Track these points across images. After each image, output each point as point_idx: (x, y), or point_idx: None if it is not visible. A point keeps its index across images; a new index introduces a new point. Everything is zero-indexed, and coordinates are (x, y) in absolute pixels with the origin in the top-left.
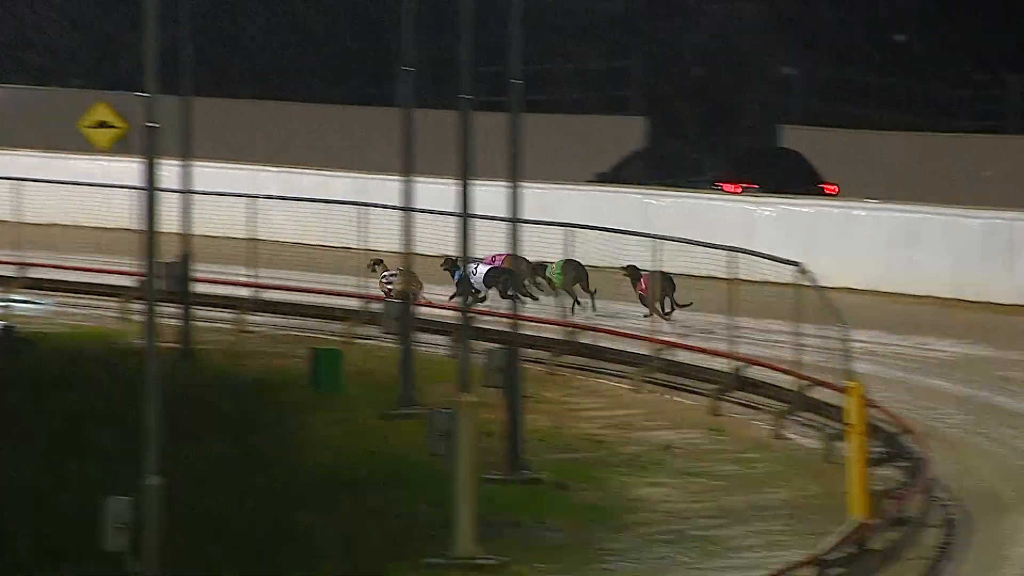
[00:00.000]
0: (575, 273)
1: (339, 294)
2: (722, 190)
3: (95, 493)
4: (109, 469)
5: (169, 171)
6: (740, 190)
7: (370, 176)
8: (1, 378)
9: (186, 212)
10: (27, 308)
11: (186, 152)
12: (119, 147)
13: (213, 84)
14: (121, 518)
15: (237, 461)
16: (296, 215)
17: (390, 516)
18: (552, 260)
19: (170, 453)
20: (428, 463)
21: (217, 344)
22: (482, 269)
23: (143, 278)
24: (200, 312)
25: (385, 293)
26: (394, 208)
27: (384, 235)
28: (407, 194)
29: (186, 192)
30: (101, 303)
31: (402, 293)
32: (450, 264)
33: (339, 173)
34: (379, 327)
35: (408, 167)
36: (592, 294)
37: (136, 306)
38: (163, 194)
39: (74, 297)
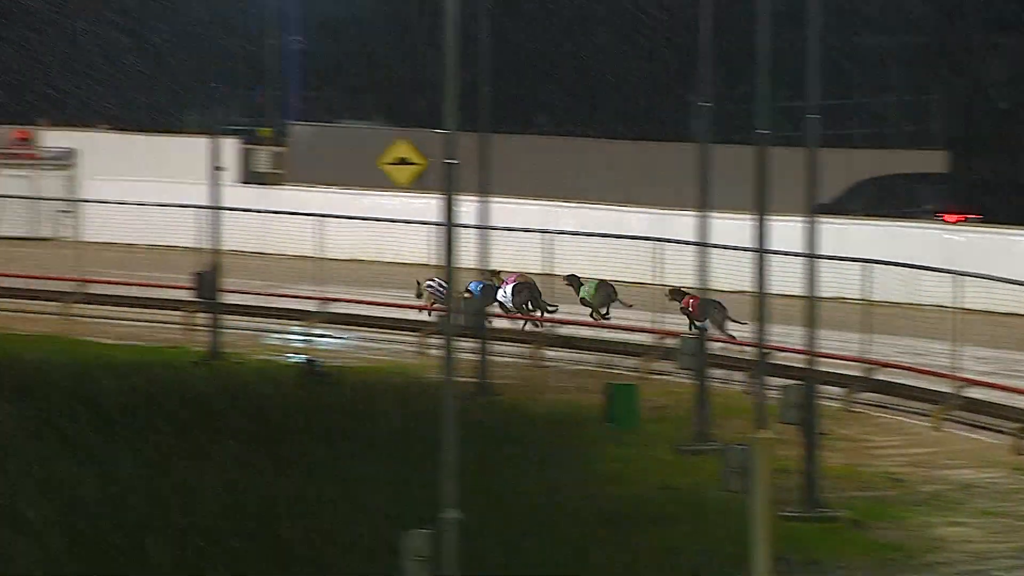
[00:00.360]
0: (606, 292)
1: (634, 329)
2: (943, 220)
3: (391, 525)
4: (405, 502)
5: (467, 207)
6: (963, 220)
7: (666, 211)
8: (303, 410)
9: (483, 247)
10: (329, 342)
11: (484, 188)
12: (418, 183)
13: (511, 120)
14: (419, 551)
15: (531, 495)
16: (591, 250)
17: (685, 551)
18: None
19: (466, 487)
20: (723, 499)
21: (513, 379)
22: (507, 287)
23: (442, 313)
24: (497, 347)
25: (432, 301)
26: (690, 243)
27: (679, 270)
28: (703, 229)
29: (483, 228)
30: (400, 338)
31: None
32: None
33: (634, 208)
34: (674, 363)
35: (704, 202)
36: (623, 306)
37: (434, 341)
38: (461, 229)
39: (374, 332)
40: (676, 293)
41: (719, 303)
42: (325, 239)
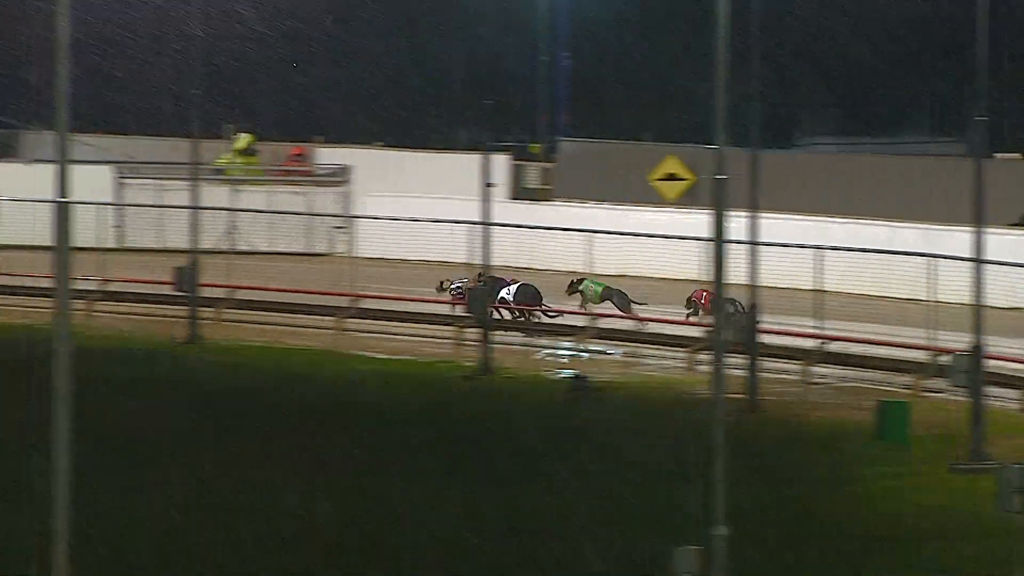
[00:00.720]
0: (614, 297)
1: (906, 346)
2: None
3: (662, 541)
4: (673, 518)
5: (736, 222)
6: None
7: (939, 227)
8: (571, 425)
9: (753, 263)
10: (599, 358)
11: (753, 203)
12: (686, 199)
13: (780, 135)
14: (690, 567)
15: (802, 512)
16: (862, 266)
17: (961, 571)
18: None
19: (736, 503)
20: (1000, 519)
21: (783, 395)
22: (512, 288)
23: (711, 329)
24: (766, 363)
25: (454, 297)
26: (963, 259)
27: (952, 286)
28: (977, 245)
29: (753, 243)
30: (668, 353)
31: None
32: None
33: (907, 224)
34: (947, 380)
35: (979, 217)
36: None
37: (703, 357)
38: (730, 245)
39: (642, 347)
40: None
41: (733, 300)
42: (593, 255)
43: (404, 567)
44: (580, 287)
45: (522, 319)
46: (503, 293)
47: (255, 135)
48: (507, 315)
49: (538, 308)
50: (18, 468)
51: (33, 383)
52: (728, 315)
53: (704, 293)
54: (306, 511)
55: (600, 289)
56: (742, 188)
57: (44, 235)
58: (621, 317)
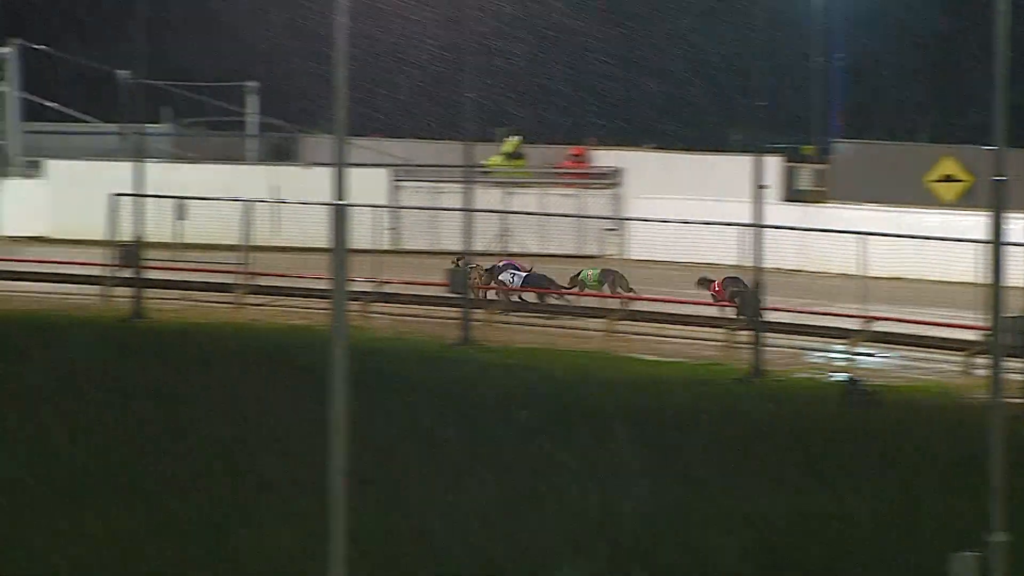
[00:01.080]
0: (611, 278)
1: None
2: None
3: (938, 547)
4: (952, 524)
5: (1016, 224)
6: None
7: None
8: (845, 429)
9: None
10: (872, 361)
11: None
12: (964, 200)
13: None
14: (968, 574)
15: None
16: None
17: None
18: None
19: (1017, 509)
20: None
21: None
22: (519, 274)
23: (988, 332)
24: None
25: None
26: None
27: None
28: None
29: None
30: (945, 357)
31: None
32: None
33: None
34: None
35: None
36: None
37: (980, 360)
38: (1009, 247)
39: (918, 351)
40: (704, 281)
41: (743, 283)
42: (868, 256)
43: (712, 566)
44: (579, 277)
45: (525, 303)
46: (508, 276)
47: (523, 138)
48: (522, 297)
49: (548, 291)
50: (284, 466)
51: (314, 383)
52: (739, 294)
53: (716, 282)
54: (609, 512)
55: (596, 273)
56: (1022, 189)
57: (322, 237)
58: (628, 298)
